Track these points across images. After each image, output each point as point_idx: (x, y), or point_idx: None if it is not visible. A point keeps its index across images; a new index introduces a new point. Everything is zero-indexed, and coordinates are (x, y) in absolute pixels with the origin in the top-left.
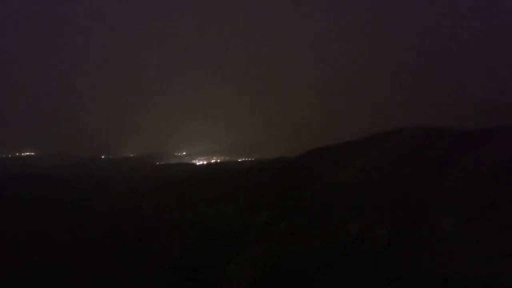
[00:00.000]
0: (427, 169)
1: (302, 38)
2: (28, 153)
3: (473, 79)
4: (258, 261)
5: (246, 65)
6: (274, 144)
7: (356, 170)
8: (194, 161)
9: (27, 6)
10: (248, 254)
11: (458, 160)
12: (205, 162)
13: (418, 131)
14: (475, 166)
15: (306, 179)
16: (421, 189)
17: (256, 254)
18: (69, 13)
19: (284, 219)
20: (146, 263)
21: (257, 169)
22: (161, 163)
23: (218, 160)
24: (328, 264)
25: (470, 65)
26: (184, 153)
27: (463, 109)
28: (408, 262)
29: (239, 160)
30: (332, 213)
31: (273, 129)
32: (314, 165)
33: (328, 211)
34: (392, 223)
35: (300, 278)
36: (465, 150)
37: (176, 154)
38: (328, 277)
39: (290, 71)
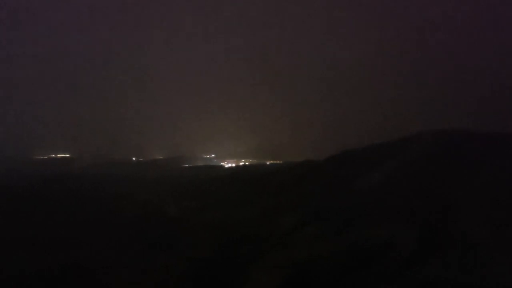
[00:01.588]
0: (455, 174)
1: (329, 40)
2: (63, 155)
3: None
4: (283, 265)
5: (274, 68)
6: (301, 147)
7: (383, 174)
8: (221, 164)
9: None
10: (272, 257)
11: (487, 164)
12: (232, 165)
13: (445, 134)
14: (505, 170)
15: (333, 183)
16: (449, 194)
17: (280, 258)
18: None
19: (309, 223)
20: (172, 265)
21: (283, 172)
22: (189, 165)
23: (246, 163)
24: (354, 270)
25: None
26: (212, 155)
27: (491, 112)
28: (436, 269)
29: (266, 163)
30: (359, 218)
31: (300, 132)
32: (340, 169)
33: (355, 215)
34: (421, 229)
35: (325, 284)
36: (493, 154)
37: (204, 156)
38: (354, 283)
39: (317, 74)
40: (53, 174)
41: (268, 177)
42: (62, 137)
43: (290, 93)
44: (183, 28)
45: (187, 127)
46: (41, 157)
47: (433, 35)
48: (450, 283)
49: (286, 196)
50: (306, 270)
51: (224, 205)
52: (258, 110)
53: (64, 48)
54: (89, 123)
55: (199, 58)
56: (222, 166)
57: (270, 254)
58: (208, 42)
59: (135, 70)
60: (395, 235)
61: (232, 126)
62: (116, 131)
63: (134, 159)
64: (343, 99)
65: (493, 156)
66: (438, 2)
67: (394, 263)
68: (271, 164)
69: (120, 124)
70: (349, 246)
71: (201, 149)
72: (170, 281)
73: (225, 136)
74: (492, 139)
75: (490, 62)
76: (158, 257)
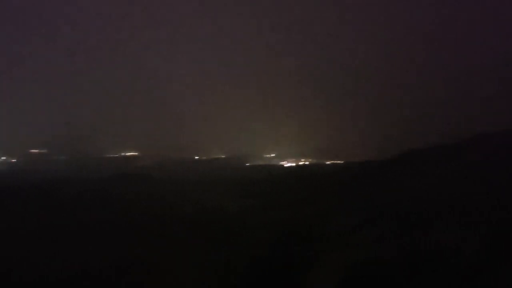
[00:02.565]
0: None
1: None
2: (131, 153)
3: None
4: (340, 267)
5: (333, 67)
6: (361, 147)
7: (445, 176)
8: (282, 163)
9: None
10: (330, 258)
11: None
12: (293, 164)
13: (506, 136)
14: None
15: (394, 184)
16: None
17: (338, 259)
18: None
19: (369, 224)
20: (231, 263)
21: (343, 172)
22: (250, 164)
23: (306, 162)
24: (416, 275)
25: None
26: (272, 155)
27: None
28: (500, 279)
29: (327, 163)
30: (421, 221)
31: (360, 132)
32: (402, 169)
33: (417, 218)
34: (486, 235)
35: None
36: None
37: (265, 155)
38: None
39: (374, 73)
40: (119, 172)
41: (327, 177)
42: (129, 136)
43: (351, 93)
44: (227, 28)
45: (248, 127)
46: (110, 155)
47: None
48: None
49: (345, 196)
50: (364, 272)
51: (283, 205)
52: (318, 109)
53: (123, 48)
54: (153, 122)
55: (257, 55)
56: (282, 166)
57: (328, 255)
58: (262, 39)
59: (193, 69)
60: (461, 240)
61: (293, 126)
62: (178, 130)
63: (196, 157)
64: (405, 99)
65: None
66: None
67: (459, 270)
68: (331, 164)
69: (182, 123)
70: (410, 250)
71: (262, 149)
72: (230, 279)
73: (286, 135)
74: None
75: None
76: (218, 255)
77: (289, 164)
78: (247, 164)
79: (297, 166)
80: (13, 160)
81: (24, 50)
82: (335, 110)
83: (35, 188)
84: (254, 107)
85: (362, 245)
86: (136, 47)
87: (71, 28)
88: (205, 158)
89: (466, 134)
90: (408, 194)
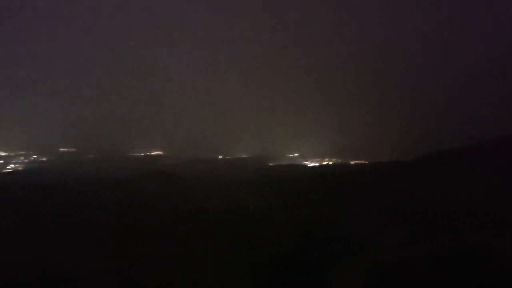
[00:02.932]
0: None
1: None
2: (156, 152)
3: None
4: (366, 268)
5: (357, 65)
6: (388, 147)
7: (477, 177)
8: (306, 163)
9: None
10: (356, 259)
11: None
12: (317, 164)
13: None
14: None
15: (421, 185)
16: None
17: (364, 260)
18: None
19: (394, 226)
20: (256, 262)
21: (368, 172)
22: (273, 164)
23: (330, 162)
24: (442, 279)
25: None
26: (296, 154)
27: None
28: None
29: (351, 163)
30: (449, 223)
31: (387, 131)
32: (430, 170)
33: (446, 220)
34: None
35: None
36: None
37: (288, 155)
38: None
39: (401, 70)
40: (145, 171)
41: (352, 177)
42: (154, 135)
43: (375, 91)
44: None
45: (271, 126)
46: (136, 154)
47: None
48: None
49: (371, 196)
50: (391, 274)
51: (308, 205)
52: (342, 109)
53: (150, 48)
54: (177, 122)
55: (280, 54)
56: (306, 165)
57: (353, 255)
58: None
59: (217, 69)
60: (494, 242)
61: (316, 125)
62: (202, 130)
63: (220, 157)
64: (432, 96)
65: None
66: None
67: (494, 273)
68: (355, 164)
69: (205, 123)
70: (440, 251)
71: (285, 148)
72: (253, 279)
73: (309, 135)
74: None
75: None
76: (242, 254)
77: (312, 164)
78: (270, 164)
79: (321, 166)
80: (44, 159)
81: (52, 49)
82: (360, 109)
83: (63, 186)
84: (278, 106)
85: (387, 247)
86: (161, 46)
87: (98, 26)
88: (228, 157)
89: (494, 135)
90: (434, 196)
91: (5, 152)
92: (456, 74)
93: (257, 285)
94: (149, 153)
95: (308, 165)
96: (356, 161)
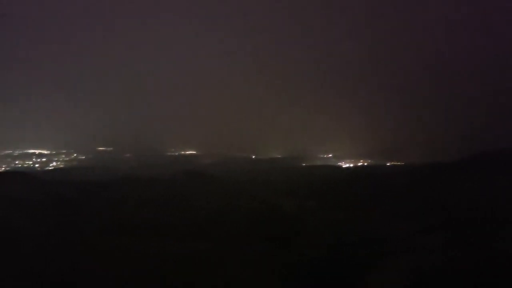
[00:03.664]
0: None
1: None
2: (191, 152)
3: None
4: (403, 272)
5: (394, 63)
6: (426, 148)
7: None
8: (339, 164)
9: None
10: (392, 263)
11: None
12: (351, 165)
13: None
14: None
15: (463, 188)
16: None
17: (401, 264)
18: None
19: (434, 230)
20: (290, 262)
21: (405, 174)
22: (307, 164)
23: (365, 163)
24: (484, 286)
25: None
26: (330, 155)
27: None
28: None
29: (387, 164)
30: (493, 229)
31: (421, 132)
32: (473, 172)
33: (489, 226)
34: None
35: None
36: None
37: (322, 156)
38: None
39: (439, 68)
40: (181, 170)
41: (389, 179)
42: (189, 135)
43: (411, 91)
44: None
45: (305, 126)
46: (172, 154)
47: None
48: None
49: (409, 199)
50: (429, 279)
51: (343, 206)
52: (377, 108)
53: (185, 49)
54: (212, 121)
55: (317, 55)
56: (340, 167)
57: (390, 260)
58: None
59: (253, 69)
60: None
61: (351, 126)
62: (236, 130)
63: (253, 157)
64: (473, 95)
65: None
66: None
67: None
68: (392, 165)
69: (240, 123)
70: (483, 258)
71: (319, 149)
72: (288, 279)
73: (343, 136)
74: None
75: None
76: (276, 254)
77: (347, 165)
78: (303, 164)
79: (356, 167)
80: (82, 157)
81: (92, 52)
82: (395, 109)
83: (101, 184)
84: (311, 107)
85: (429, 251)
86: (196, 47)
87: (135, 28)
88: (262, 157)
89: None
90: (481, 198)
91: (47, 151)
92: (497, 73)
93: (289, 287)
94: (183, 152)
95: (343, 166)
96: (392, 163)
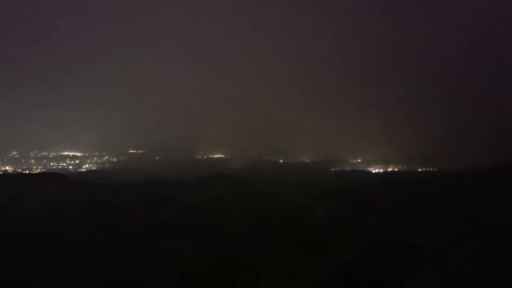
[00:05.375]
0: None
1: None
2: (219, 155)
3: None
4: (437, 282)
5: (429, 69)
6: (455, 154)
7: None
8: (369, 169)
9: None
10: (426, 272)
11: None
12: (380, 170)
13: None
14: None
15: (500, 195)
16: None
17: (434, 274)
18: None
19: (471, 238)
20: (320, 267)
21: (439, 180)
22: (336, 169)
23: (395, 169)
24: None
25: None
26: (359, 160)
27: None
28: None
29: (419, 170)
30: None
31: (452, 138)
32: (503, 180)
33: None
34: None
35: None
36: None
37: (351, 161)
38: None
39: (474, 74)
40: (210, 172)
41: (420, 185)
42: (217, 139)
43: (443, 96)
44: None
45: (334, 131)
46: (201, 157)
47: None
48: None
49: (445, 206)
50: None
51: (373, 212)
52: (407, 114)
53: (217, 57)
54: (241, 126)
55: (349, 61)
56: (370, 172)
57: (423, 268)
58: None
59: (279, 75)
60: None
61: (380, 131)
62: (265, 134)
63: (281, 161)
64: (503, 102)
65: None
66: None
67: None
68: (423, 171)
69: (269, 127)
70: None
71: (348, 154)
72: (317, 282)
73: (372, 141)
74: None
75: None
76: (306, 258)
77: (376, 170)
78: (332, 169)
79: (385, 172)
80: (114, 159)
81: (122, 56)
82: (425, 114)
83: (132, 185)
84: (341, 112)
85: (462, 260)
86: (228, 54)
87: (169, 33)
88: (291, 161)
89: None
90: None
91: (80, 153)
92: None
93: None
94: (212, 156)
95: (372, 172)
96: (423, 168)
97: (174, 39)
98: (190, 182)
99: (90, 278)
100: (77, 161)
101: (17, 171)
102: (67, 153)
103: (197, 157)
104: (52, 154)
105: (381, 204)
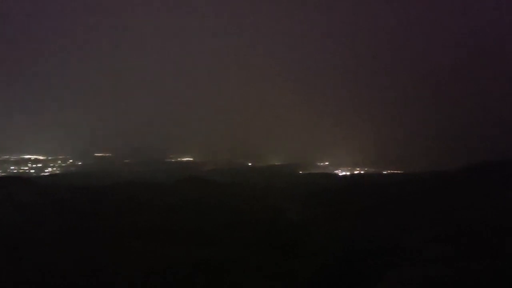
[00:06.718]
0: None
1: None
2: (188, 158)
3: None
4: (409, 284)
5: (393, 71)
6: (422, 156)
7: None
8: (336, 172)
9: None
10: (399, 274)
11: None
12: (347, 173)
13: None
14: None
15: (467, 197)
16: None
17: (407, 275)
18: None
19: (440, 241)
20: (297, 270)
21: (407, 183)
22: (304, 172)
23: (362, 172)
24: None
25: None
26: (327, 163)
27: None
28: None
29: (384, 172)
30: (501, 240)
31: (422, 140)
32: (475, 181)
33: (496, 236)
34: None
35: None
36: None
37: (318, 164)
38: None
39: (441, 75)
40: (179, 176)
41: (389, 187)
42: (186, 142)
43: (409, 98)
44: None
45: (303, 134)
46: (170, 160)
47: None
48: None
49: (413, 209)
50: None
51: (343, 215)
52: (372, 117)
53: (185, 56)
54: (210, 129)
55: (315, 65)
56: (337, 174)
57: (396, 270)
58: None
59: (251, 77)
60: None
61: (348, 133)
62: (234, 137)
63: (250, 164)
64: (477, 103)
65: None
66: None
67: None
68: (389, 173)
69: (237, 130)
70: (488, 271)
71: (316, 156)
72: (292, 287)
73: (340, 143)
74: None
75: None
76: (281, 261)
77: (343, 173)
78: (300, 172)
79: (352, 175)
80: (79, 163)
81: (88, 55)
82: (392, 116)
83: (98, 189)
84: (308, 115)
85: (434, 262)
86: (196, 53)
87: (137, 34)
88: (260, 165)
89: None
90: (485, 208)
91: (43, 156)
92: (504, 83)
93: None
94: (180, 159)
95: (339, 174)
96: (389, 171)
97: (145, 39)
98: (162, 185)
99: (58, 283)
100: (39, 165)
101: None
102: (28, 156)
103: (167, 160)
104: (13, 158)
105: (353, 206)
